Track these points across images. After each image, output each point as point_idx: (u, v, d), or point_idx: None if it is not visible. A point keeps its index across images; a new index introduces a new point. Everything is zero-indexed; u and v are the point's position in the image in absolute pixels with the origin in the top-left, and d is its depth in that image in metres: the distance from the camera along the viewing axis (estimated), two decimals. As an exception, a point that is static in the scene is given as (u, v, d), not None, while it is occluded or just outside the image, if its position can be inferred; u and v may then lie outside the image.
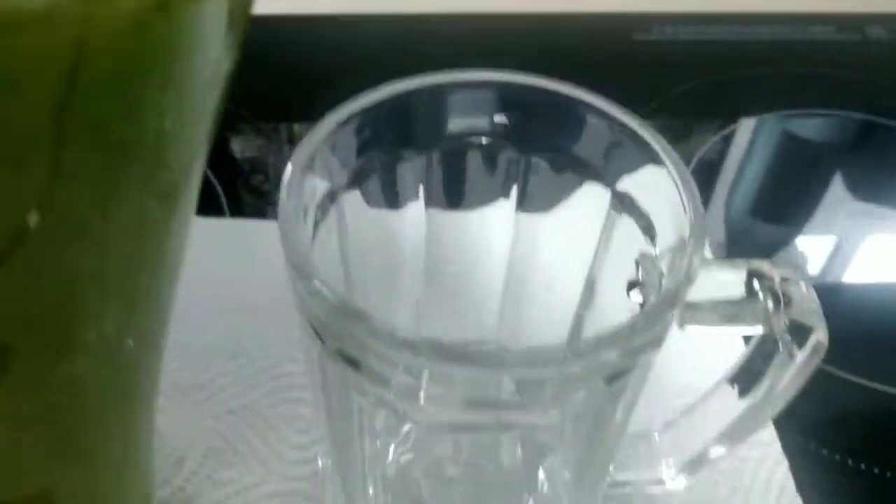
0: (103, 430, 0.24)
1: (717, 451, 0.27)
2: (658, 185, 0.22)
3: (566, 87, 0.23)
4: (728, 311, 0.22)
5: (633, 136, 0.22)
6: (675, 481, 0.28)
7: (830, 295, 0.41)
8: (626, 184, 0.23)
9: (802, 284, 0.23)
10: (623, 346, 0.18)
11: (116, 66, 0.16)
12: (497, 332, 0.30)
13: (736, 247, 0.44)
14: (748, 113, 0.49)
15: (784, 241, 0.45)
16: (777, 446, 0.32)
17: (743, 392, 0.26)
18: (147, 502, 0.30)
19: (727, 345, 0.34)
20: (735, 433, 0.27)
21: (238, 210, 0.44)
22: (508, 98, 0.24)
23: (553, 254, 0.28)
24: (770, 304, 0.22)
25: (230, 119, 0.46)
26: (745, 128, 0.50)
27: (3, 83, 0.14)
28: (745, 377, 0.26)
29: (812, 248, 0.44)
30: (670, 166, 0.21)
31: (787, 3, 0.55)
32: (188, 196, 0.22)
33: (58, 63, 0.15)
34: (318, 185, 0.21)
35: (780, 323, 0.22)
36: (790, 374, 0.23)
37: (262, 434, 0.34)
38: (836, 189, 0.47)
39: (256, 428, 0.34)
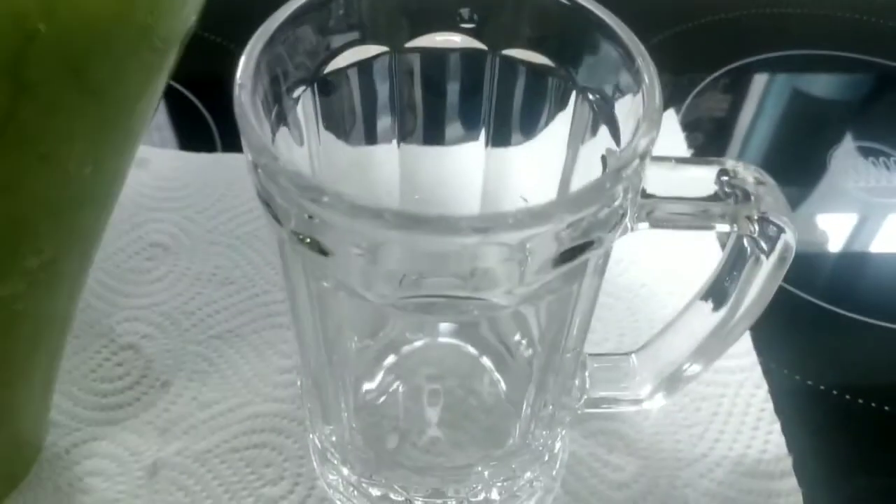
0: (18, 353, 0.25)
1: (694, 368, 0.27)
2: (622, 81, 0.22)
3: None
4: (698, 209, 0.22)
5: (600, 27, 0.22)
6: (652, 400, 0.28)
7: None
8: (593, 82, 0.23)
9: (774, 187, 0.23)
10: (572, 214, 0.18)
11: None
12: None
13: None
14: (746, 55, 0.49)
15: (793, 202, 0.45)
16: (758, 371, 0.32)
17: (717, 307, 0.26)
18: (41, 426, 0.30)
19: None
20: (709, 348, 0.26)
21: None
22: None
23: (527, 170, 0.28)
24: (739, 201, 0.22)
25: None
26: (756, 85, 0.49)
27: None
28: (719, 292, 0.25)
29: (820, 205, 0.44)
30: (634, 52, 0.21)
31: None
32: (140, 137, 0.22)
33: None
34: (280, 77, 0.21)
35: (751, 224, 0.22)
36: (760, 278, 0.23)
37: (246, 358, 0.34)
38: (846, 145, 0.47)
39: (242, 352, 0.34)
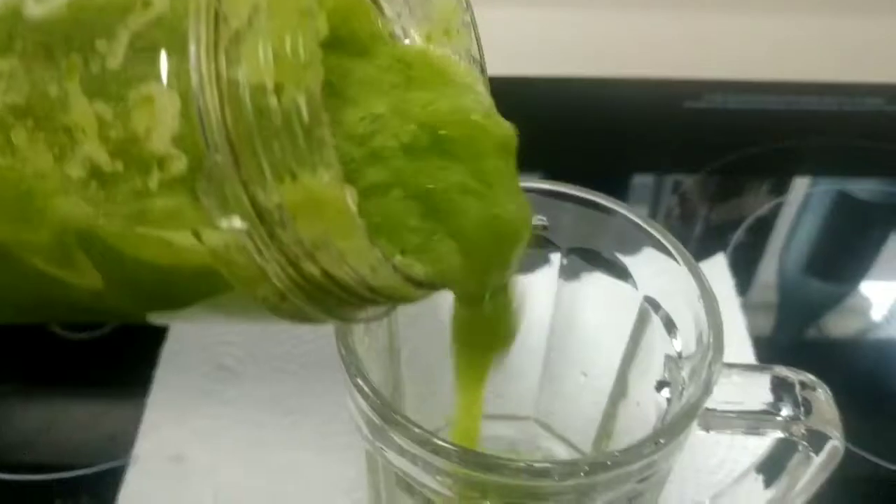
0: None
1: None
2: (683, 295, 0.23)
3: (604, 199, 0.25)
4: (751, 421, 0.23)
5: (664, 249, 0.24)
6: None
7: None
8: (655, 290, 0.25)
9: (821, 391, 0.24)
10: (646, 459, 0.20)
11: None
12: (535, 408, 0.32)
13: (789, 305, 0.45)
14: (796, 185, 0.50)
15: (838, 299, 0.46)
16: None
17: (768, 482, 0.27)
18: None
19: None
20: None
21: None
22: (553, 203, 0.26)
23: (589, 337, 0.29)
24: (790, 414, 0.23)
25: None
26: (800, 186, 0.51)
27: None
28: (771, 468, 0.27)
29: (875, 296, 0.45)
30: (694, 281, 0.23)
31: (837, 74, 0.56)
32: None
33: None
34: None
35: (800, 430, 0.24)
36: (808, 474, 0.25)
37: (313, 494, 0.35)
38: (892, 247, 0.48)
39: (307, 488, 0.35)
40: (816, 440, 0.24)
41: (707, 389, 0.21)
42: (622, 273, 0.25)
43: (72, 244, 0.18)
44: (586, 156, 0.51)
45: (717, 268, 0.41)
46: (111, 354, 0.41)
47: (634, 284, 0.25)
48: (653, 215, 0.48)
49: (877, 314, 0.44)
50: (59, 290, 0.19)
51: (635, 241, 0.24)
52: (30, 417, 0.38)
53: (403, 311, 0.27)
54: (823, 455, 0.24)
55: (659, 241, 0.24)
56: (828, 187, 0.51)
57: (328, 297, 0.18)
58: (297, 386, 0.39)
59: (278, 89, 0.16)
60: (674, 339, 0.24)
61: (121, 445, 0.36)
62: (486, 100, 0.22)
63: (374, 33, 0.22)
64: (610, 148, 0.52)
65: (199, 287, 0.18)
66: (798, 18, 0.58)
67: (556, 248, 0.26)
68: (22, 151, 0.17)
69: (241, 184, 0.16)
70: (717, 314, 0.22)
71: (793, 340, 0.42)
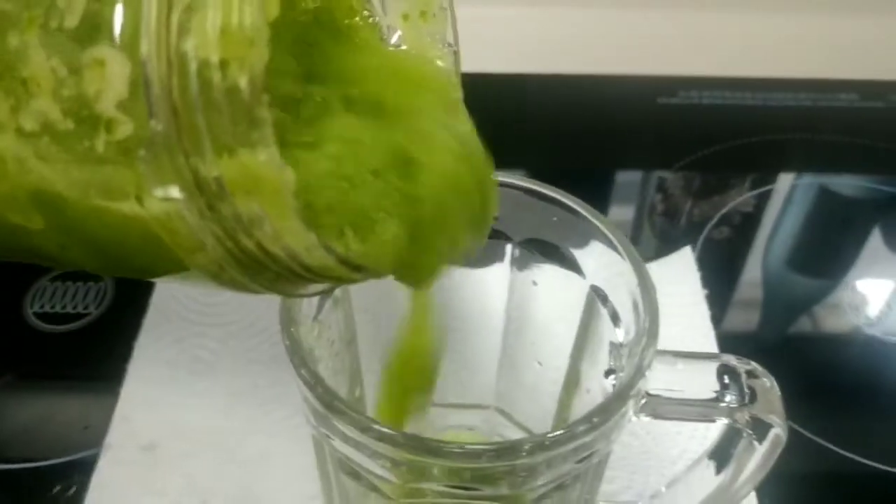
0: None
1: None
2: (625, 284, 0.24)
3: (552, 190, 0.26)
4: (697, 408, 0.24)
5: (607, 240, 0.24)
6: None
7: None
8: (601, 280, 0.25)
9: (766, 380, 0.25)
10: (581, 439, 0.20)
11: None
12: (495, 397, 0.33)
13: (758, 299, 0.45)
14: (771, 180, 0.51)
15: (809, 294, 0.46)
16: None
17: (718, 469, 0.28)
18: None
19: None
20: (711, 508, 0.28)
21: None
22: (502, 193, 0.26)
23: (542, 327, 0.30)
24: (735, 401, 0.24)
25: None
26: (773, 182, 0.51)
27: None
28: (720, 455, 0.27)
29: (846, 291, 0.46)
30: (634, 271, 0.23)
31: (810, 70, 0.56)
32: None
33: None
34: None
35: (744, 417, 0.24)
36: (753, 461, 0.25)
37: (280, 483, 0.36)
38: (875, 243, 0.48)
39: (275, 477, 0.36)
40: (760, 428, 0.24)
41: (640, 372, 0.21)
42: (571, 264, 0.26)
43: (25, 198, 0.18)
44: (557, 152, 0.52)
45: (684, 261, 0.41)
46: (86, 346, 0.42)
47: (582, 274, 0.26)
48: (624, 210, 0.48)
49: (848, 309, 0.44)
50: (26, 240, 0.20)
51: (582, 231, 0.25)
52: (2, 408, 0.39)
53: (358, 302, 0.28)
54: (767, 443, 0.25)
55: (602, 231, 0.24)
56: (801, 182, 0.51)
57: (265, 272, 0.18)
58: (270, 377, 0.40)
59: (223, 65, 0.16)
60: (617, 329, 0.25)
61: (94, 436, 0.37)
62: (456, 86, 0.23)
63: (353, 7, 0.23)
64: (582, 144, 0.52)
65: (145, 250, 0.18)
66: (772, 15, 0.58)
67: (507, 238, 0.27)
68: None
69: (182, 154, 0.16)
70: (654, 301, 0.22)
71: (759, 333, 0.43)
